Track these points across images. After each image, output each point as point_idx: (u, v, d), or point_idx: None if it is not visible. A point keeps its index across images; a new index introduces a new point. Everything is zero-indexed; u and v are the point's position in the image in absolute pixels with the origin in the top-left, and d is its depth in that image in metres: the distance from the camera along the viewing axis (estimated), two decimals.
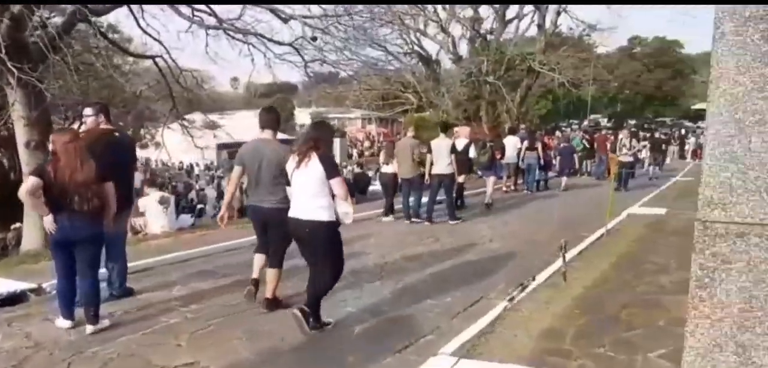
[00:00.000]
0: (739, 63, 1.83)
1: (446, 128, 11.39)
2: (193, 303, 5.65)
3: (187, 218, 12.63)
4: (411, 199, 10.76)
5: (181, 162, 35.57)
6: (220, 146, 39.34)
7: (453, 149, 10.52)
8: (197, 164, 35.21)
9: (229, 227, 9.72)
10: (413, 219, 10.58)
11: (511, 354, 4.17)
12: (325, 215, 4.48)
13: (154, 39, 12.54)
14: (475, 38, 26.94)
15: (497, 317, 5.03)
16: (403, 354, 4.30)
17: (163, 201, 10.00)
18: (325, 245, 4.61)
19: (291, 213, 4.66)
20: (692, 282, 2.04)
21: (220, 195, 25.58)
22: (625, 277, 6.26)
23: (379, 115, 40.31)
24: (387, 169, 11.18)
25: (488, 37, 27.18)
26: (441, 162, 10.36)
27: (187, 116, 20.68)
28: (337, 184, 4.47)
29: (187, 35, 12.33)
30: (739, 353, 2.03)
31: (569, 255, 7.31)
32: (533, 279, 5.82)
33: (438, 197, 10.79)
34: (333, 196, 4.51)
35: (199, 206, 20.20)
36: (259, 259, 5.50)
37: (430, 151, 10.54)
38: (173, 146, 22.34)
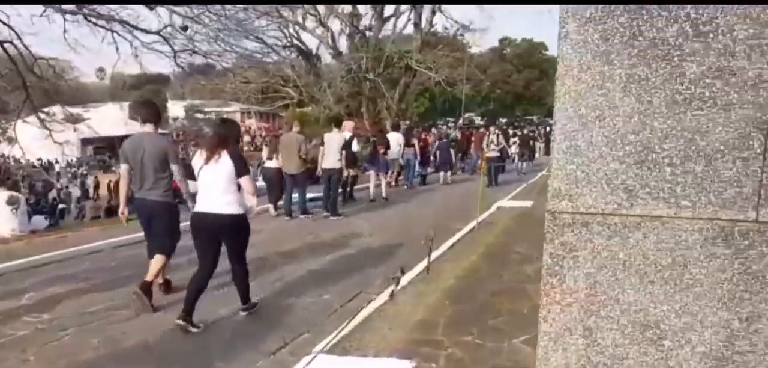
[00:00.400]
0: (581, 61, 1.95)
1: (339, 123, 11.60)
2: (46, 311, 5.18)
3: (41, 220, 11.52)
4: (294, 195, 10.66)
5: (39, 159, 32.57)
6: (85, 141, 36.50)
7: (345, 145, 10.71)
8: (57, 161, 32.43)
9: (91, 230, 9.11)
10: (297, 215, 10.48)
11: (385, 346, 4.20)
12: (236, 209, 4.69)
13: (2, 22, 11.33)
14: (354, 34, 27.12)
15: (374, 311, 5.07)
16: (278, 355, 4.19)
17: (11, 201, 9.04)
18: (237, 236, 4.82)
19: (199, 208, 4.70)
20: (544, 270, 2.14)
21: (85, 194, 23.68)
22: (493, 267, 6.56)
23: (259, 109, 39.44)
24: (271, 163, 10.96)
25: (367, 33, 27.48)
26: (332, 156, 10.50)
27: (45, 109, 19.02)
28: (246, 181, 4.71)
29: (42, 20, 11.30)
30: (586, 335, 2.16)
31: (443, 248, 7.59)
32: (402, 273, 5.97)
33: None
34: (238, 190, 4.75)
35: (61, 206, 18.55)
36: None
37: (322, 144, 10.70)
38: (28, 141, 20.33)
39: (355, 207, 12.07)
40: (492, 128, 19.00)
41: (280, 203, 10.98)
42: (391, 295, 5.44)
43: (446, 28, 31.42)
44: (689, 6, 1.82)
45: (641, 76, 1.90)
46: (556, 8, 2.03)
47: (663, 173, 1.94)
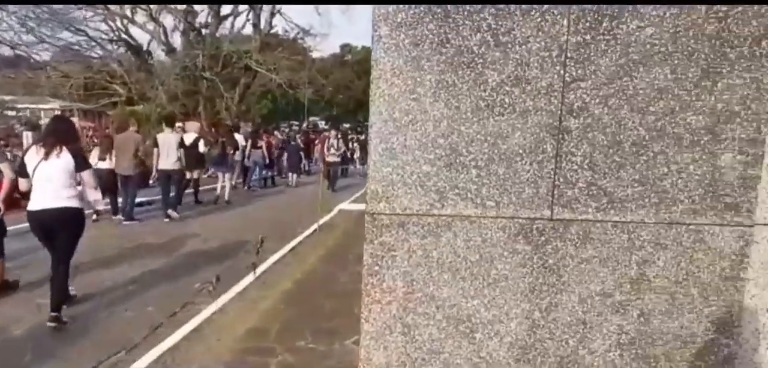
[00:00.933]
0: (393, 66, 1.99)
1: (171, 121, 10.95)
2: None
3: None
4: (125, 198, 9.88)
5: None
6: None
7: (181, 144, 10.13)
8: None
9: None
10: (122, 220, 9.69)
11: (212, 359, 4.01)
12: (76, 203, 4.73)
13: None
14: (189, 31, 25.74)
15: (202, 321, 4.82)
16: None
17: None
18: (75, 229, 4.80)
19: (38, 205, 4.61)
20: (364, 270, 2.17)
21: None
22: (331, 269, 6.60)
23: (83, 106, 35.92)
24: (102, 164, 9.99)
25: (203, 31, 26.27)
26: (170, 157, 9.87)
27: None
28: (88, 175, 4.88)
29: None
30: (405, 332, 2.22)
31: (284, 251, 7.50)
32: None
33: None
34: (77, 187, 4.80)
35: None
36: None
37: (156, 145, 10.07)
38: None
39: (194, 210, 11.46)
40: (333, 133, 19.22)
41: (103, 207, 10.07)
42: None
43: (286, 31, 31.20)
44: (490, 17, 1.94)
45: (449, 82, 1.99)
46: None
47: (470, 175, 2.05)
